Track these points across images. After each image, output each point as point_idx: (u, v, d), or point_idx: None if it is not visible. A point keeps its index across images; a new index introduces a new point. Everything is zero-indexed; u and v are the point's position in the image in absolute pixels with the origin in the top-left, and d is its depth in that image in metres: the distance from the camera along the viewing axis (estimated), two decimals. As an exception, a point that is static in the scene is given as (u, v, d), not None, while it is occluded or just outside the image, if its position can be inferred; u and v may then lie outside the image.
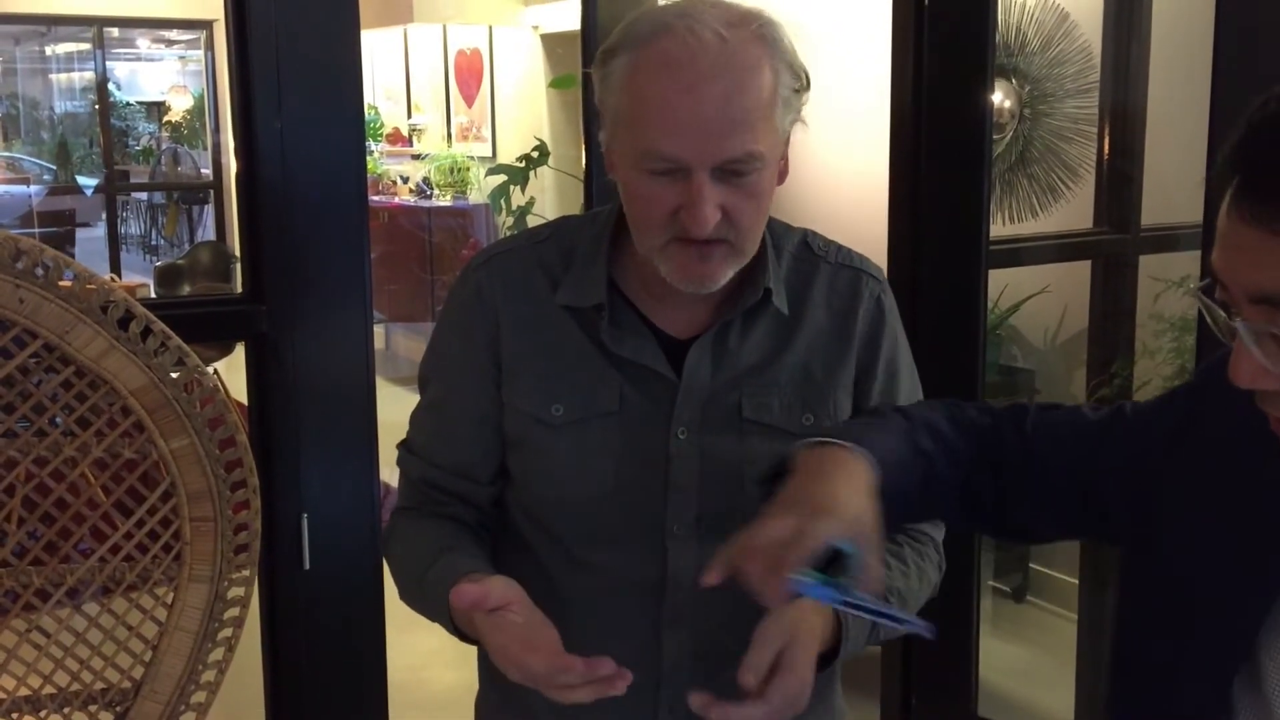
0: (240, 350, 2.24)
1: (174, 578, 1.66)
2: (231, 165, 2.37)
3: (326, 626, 2.02)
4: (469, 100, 8.08)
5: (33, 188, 10.74)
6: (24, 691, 1.66)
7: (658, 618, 1.29)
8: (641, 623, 1.30)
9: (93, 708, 1.69)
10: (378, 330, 7.94)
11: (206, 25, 9.39)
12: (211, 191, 10.09)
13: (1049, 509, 1.17)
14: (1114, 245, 3.23)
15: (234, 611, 1.69)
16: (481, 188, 7.60)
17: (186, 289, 6.76)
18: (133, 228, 12.89)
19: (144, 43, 13.40)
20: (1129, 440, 1.12)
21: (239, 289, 2.07)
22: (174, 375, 1.59)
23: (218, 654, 1.70)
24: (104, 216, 9.88)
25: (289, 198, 1.92)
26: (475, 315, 1.32)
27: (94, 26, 9.73)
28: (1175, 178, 3.08)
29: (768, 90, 1.16)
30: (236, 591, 1.69)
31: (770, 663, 1.11)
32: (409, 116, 8.65)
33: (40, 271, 1.51)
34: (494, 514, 1.38)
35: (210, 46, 9.51)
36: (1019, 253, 3.07)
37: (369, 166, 7.91)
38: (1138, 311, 3.40)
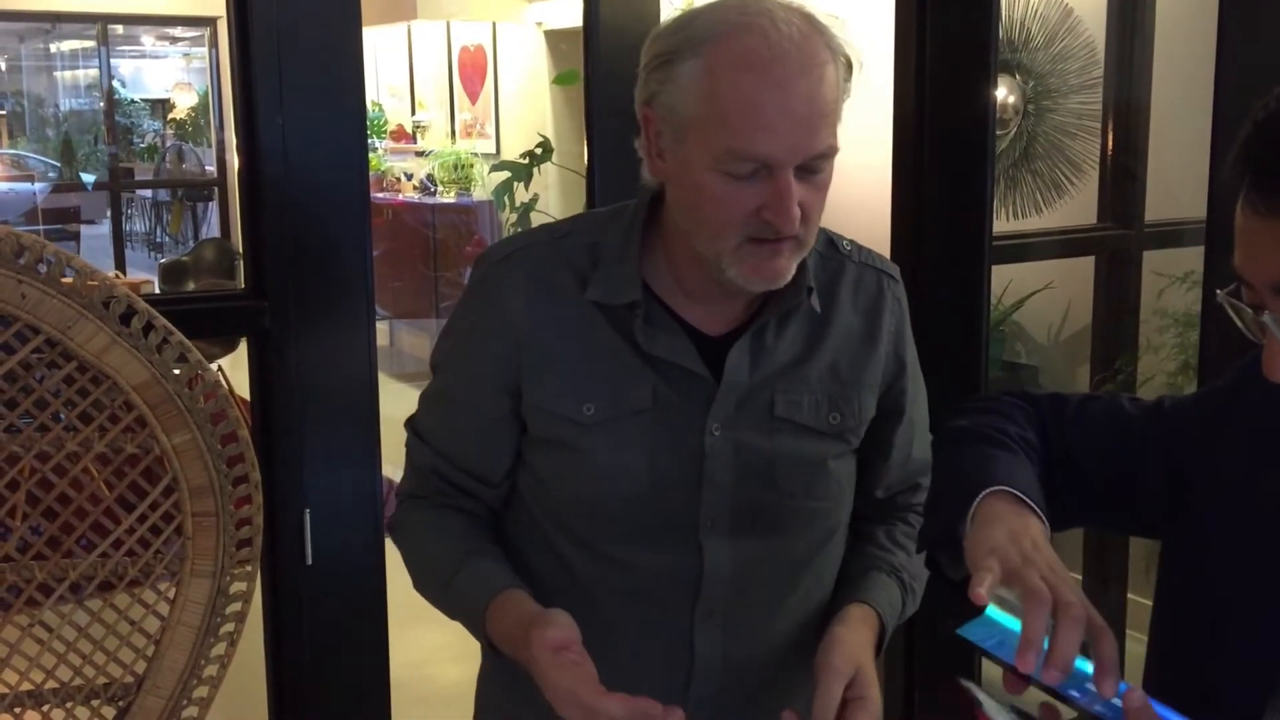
0: (243, 346, 2.24)
1: (176, 573, 1.67)
2: (235, 162, 2.38)
3: (329, 622, 2.02)
4: (473, 97, 8.08)
5: (37, 185, 10.75)
6: (27, 686, 1.67)
7: (691, 615, 1.29)
8: (674, 621, 1.29)
9: (95, 702, 1.70)
10: (382, 327, 7.97)
11: (210, 22, 9.39)
12: (216, 189, 10.10)
13: (1087, 500, 1.16)
14: (1118, 241, 3.23)
15: (236, 607, 1.70)
16: (485, 184, 7.59)
17: (191, 286, 6.77)
18: (137, 225, 12.90)
19: (148, 40, 13.41)
20: (1167, 437, 1.12)
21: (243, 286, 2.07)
22: (176, 371, 1.60)
23: (220, 649, 1.70)
24: (109, 214, 9.90)
25: (291, 194, 1.92)
26: (496, 315, 1.29)
27: (98, 24, 9.74)
28: (1179, 173, 3.08)
29: (837, 83, 1.16)
30: (239, 587, 1.69)
31: (840, 697, 1.14)
32: (413, 113, 8.65)
33: (42, 267, 1.52)
34: (502, 511, 1.38)
35: (214, 43, 9.51)
36: (1023, 248, 3.07)
37: (373, 163, 7.94)
38: (1141, 307, 3.40)
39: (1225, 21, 1.97)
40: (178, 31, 12.27)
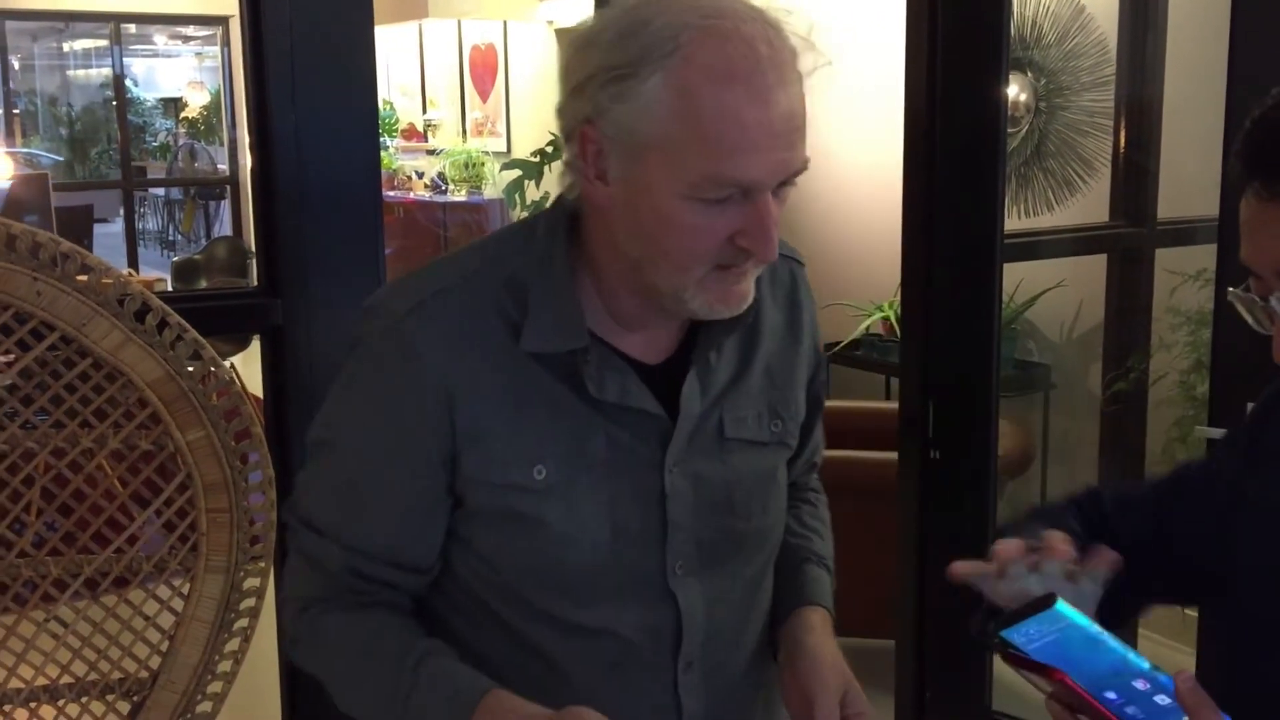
0: (256, 344, 2.25)
1: (190, 568, 1.68)
2: (248, 161, 2.38)
3: (341, 618, 2.02)
4: (484, 95, 8.09)
5: (51, 183, 10.78)
6: (42, 681, 1.68)
7: (674, 669, 1.18)
8: (658, 681, 1.18)
9: (110, 697, 1.71)
10: (393, 325, 7.95)
11: (223, 21, 9.41)
12: (228, 187, 10.13)
13: (1137, 583, 1.13)
14: (1130, 239, 3.22)
15: (250, 602, 1.70)
16: (496, 183, 7.60)
17: (203, 284, 6.80)
18: (150, 223, 12.95)
19: (161, 39, 13.45)
20: (1196, 499, 1.13)
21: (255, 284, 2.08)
22: (190, 368, 1.60)
23: (234, 644, 1.71)
24: (121, 212, 9.93)
25: (303, 192, 1.93)
26: (413, 379, 1.10)
27: (111, 23, 9.77)
28: (1192, 171, 3.07)
29: (802, 90, 1.04)
30: (252, 582, 1.70)
31: (840, 715, 1.12)
32: (424, 112, 8.65)
33: (57, 265, 1.52)
34: (427, 594, 1.21)
35: (226, 42, 9.53)
36: (1035, 246, 3.07)
37: (385, 162, 7.94)
38: (1154, 305, 3.39)
39: (1238, 18, 1.96)
40: (190, 30, 12.30)
